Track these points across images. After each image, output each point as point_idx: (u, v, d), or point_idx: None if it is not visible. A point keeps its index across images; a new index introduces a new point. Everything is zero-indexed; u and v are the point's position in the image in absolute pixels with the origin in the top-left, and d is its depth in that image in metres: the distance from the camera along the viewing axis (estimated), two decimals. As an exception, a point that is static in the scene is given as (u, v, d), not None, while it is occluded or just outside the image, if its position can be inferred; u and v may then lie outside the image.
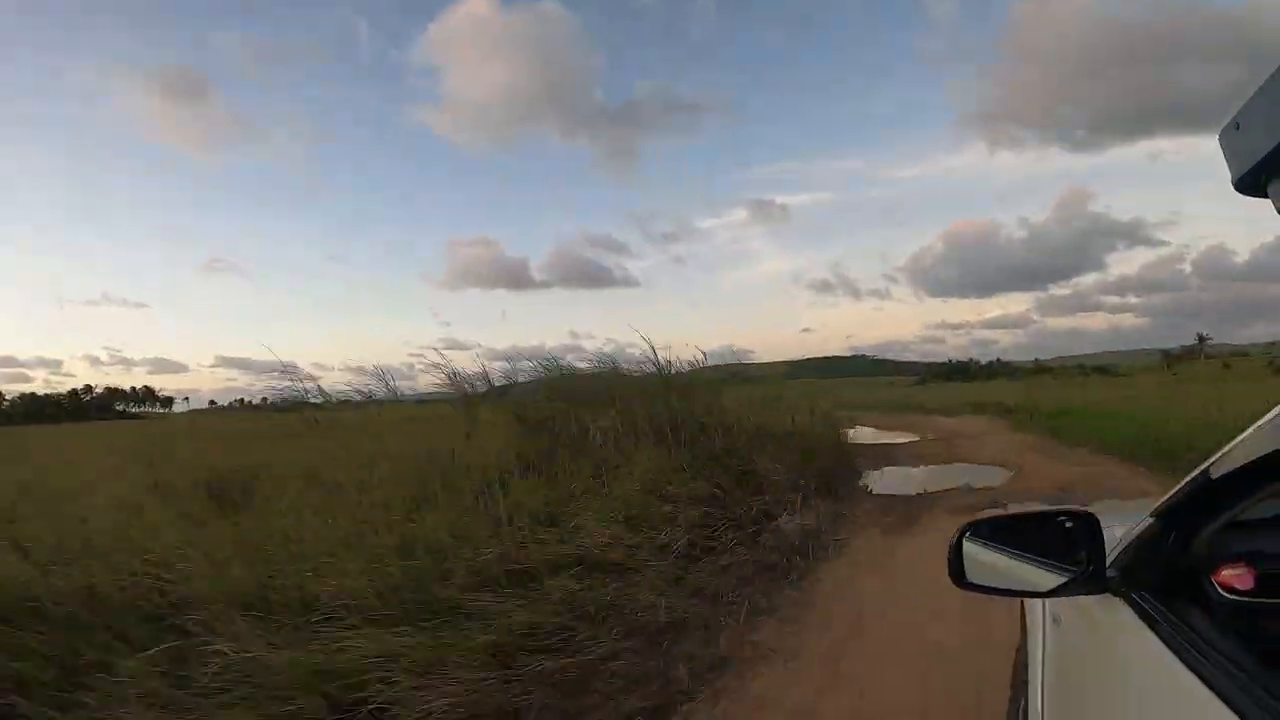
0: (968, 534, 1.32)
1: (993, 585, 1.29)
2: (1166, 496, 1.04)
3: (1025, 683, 1.69)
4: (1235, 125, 0.75)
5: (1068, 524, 1.21)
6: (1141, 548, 1.10)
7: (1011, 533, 1.33)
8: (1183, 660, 0.84)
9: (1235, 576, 1.16)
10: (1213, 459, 0.92)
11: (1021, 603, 1.83)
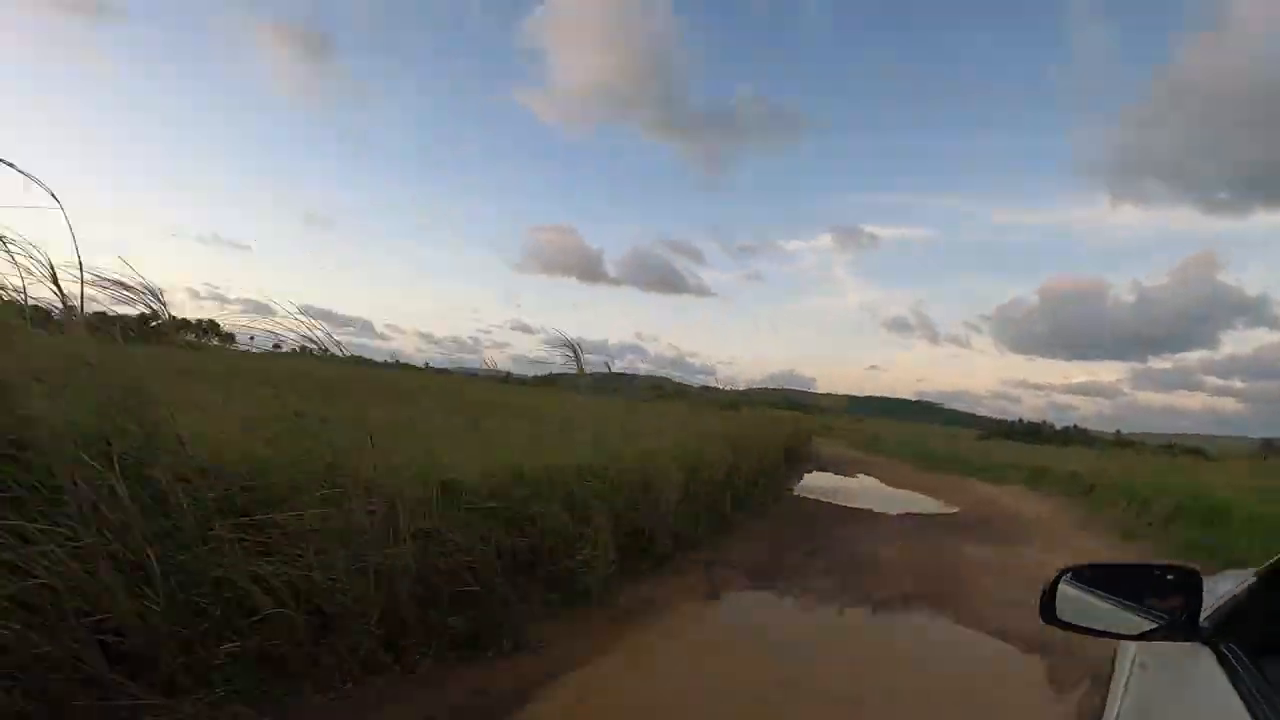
0: (1066, 577, 1.33)
1: (1084, 625, 1.29)
2: (1275, 559, 1.08)
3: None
4: None
5: (1169, 577, 1.23)
6: (1240, 602, 1.16)
7: (1110, 579, 1.36)
8: (1269, 710, 0.87)
9: None
10: None
11: (1114, 650, 1.94)
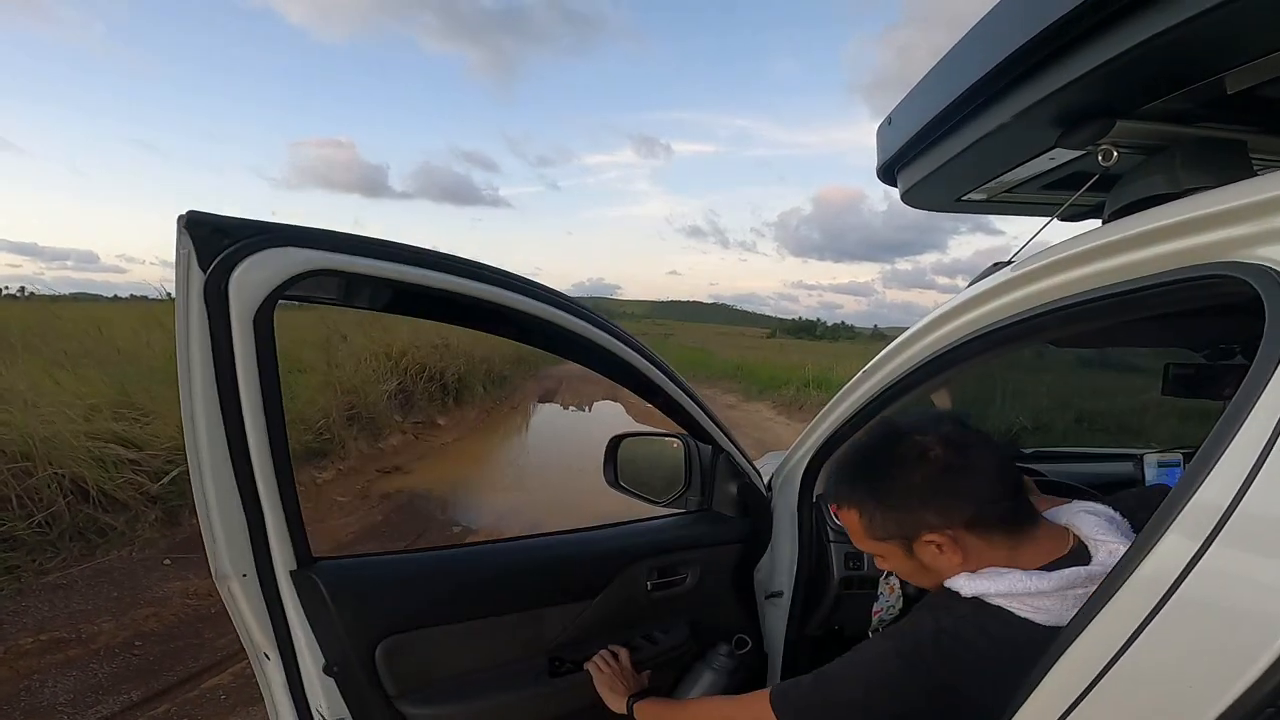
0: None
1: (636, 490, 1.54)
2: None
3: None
4: (888, 121, 1.03)
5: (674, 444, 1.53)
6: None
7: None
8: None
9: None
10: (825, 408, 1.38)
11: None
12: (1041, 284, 0.82)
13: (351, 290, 0.88)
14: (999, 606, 0.77)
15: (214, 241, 0.75)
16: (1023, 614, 0.76)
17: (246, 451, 0.83)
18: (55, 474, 4.02)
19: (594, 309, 1.15)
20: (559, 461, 7.73)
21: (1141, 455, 1.76)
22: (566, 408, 12.69)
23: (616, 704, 1.15)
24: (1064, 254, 0.79)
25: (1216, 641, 0.51)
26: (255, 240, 0.77)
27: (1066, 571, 0.75)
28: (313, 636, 0.94)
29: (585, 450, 8.31)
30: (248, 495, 0.85)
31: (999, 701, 0.71)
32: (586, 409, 12.58)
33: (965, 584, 0.80)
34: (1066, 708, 0.61)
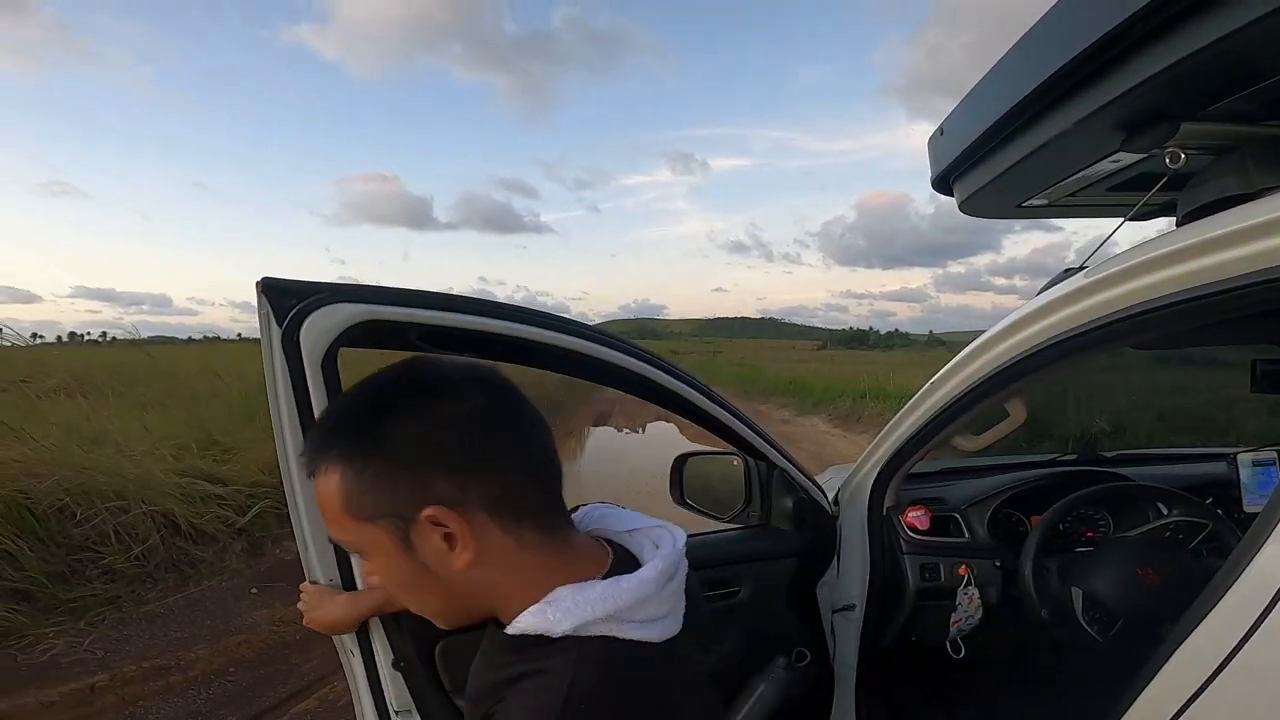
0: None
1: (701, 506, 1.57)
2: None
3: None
4: (940, 132, 1.02)
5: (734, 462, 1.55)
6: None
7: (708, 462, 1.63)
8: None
9: (917, 518, 1.53)
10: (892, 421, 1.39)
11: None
12: (1117, 290, 0.81)
13: (400, 335, 0.99)
14: (607, 636, 0.55)
15: (284, 302, 0.90)
16: (635, 635, 0.56)
17: None
18: (148, 510, 4.30)
19: (640, 330, 1.19)
20: (616, 483, 7.79)
21: (1235, 454, 1.68)
22: (621, 430, 12.79)
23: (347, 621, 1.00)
24: (1139, 259, 0.78)
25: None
26: (314, 299, 0.91)
27: (658, 561, 0.61)
28: (384, 636, 1.05)
29: (641, 469, 8.40)
30: None
31: None
32: (640, 431, 12.64)
33: (550, 615, 0.55)
34: (1178, 709, 0.61)
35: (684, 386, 1.23)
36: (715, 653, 1.36)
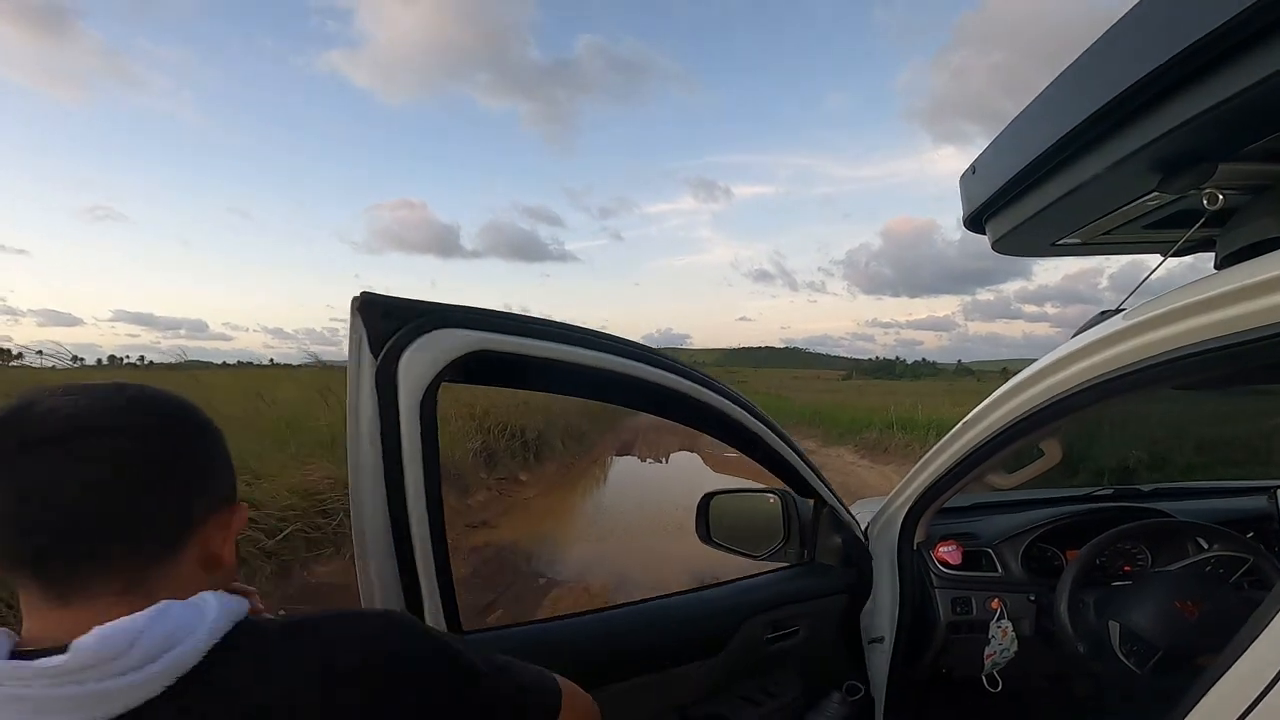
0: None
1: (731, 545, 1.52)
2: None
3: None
4: (972, 170, 1.00)
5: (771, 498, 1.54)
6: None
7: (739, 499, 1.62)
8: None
9: (948, 553, 1.54)
10: (925, 457, 1.39)
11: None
12: (1156, 334, 0.80)
13: (510, 370, 0.89)
14: None
15: (384, 326, 0.77)
16: None
17: (408, 528, 0.83)
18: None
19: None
20: (638, 513, 7.75)
21: (1275, 489, 1.63)
22: (644, 460, 12.75)
23: None
24: (1178, 303, 0.77)
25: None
26: (421, 322, 0.78)
27: None
28: None
29: (664, 499, 8.31)
30: (406, 571, 0.86)
31: None
32: (663, 460, 12.61)
33: None
34: None
35: (764, 428, 1.25)
36: (779, 697, 1.36)
